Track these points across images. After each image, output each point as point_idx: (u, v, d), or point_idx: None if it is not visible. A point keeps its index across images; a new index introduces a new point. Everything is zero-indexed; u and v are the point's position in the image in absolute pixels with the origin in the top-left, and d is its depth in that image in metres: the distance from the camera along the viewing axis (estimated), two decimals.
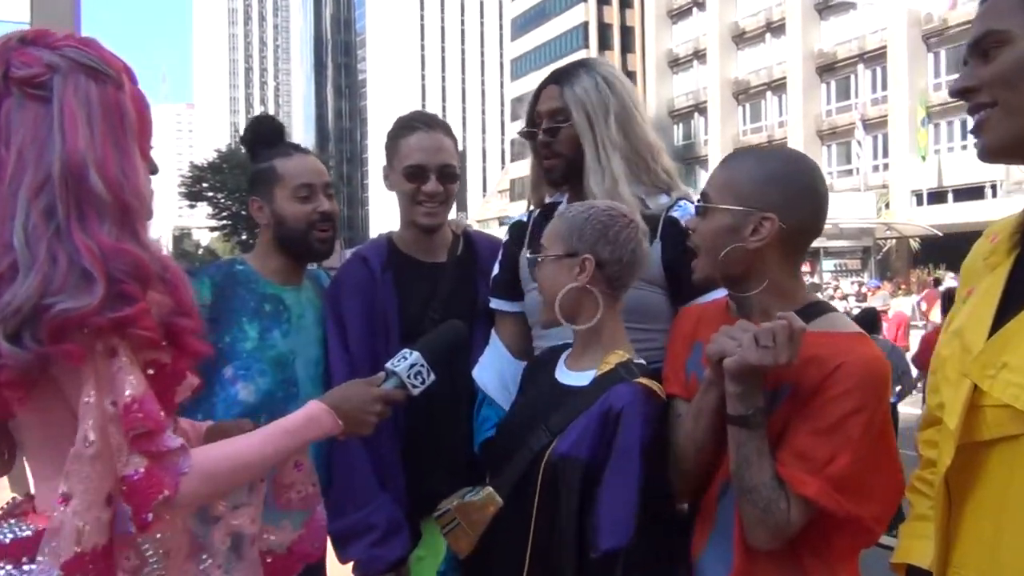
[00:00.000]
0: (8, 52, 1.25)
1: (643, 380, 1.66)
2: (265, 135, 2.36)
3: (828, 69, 38.71)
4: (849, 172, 35.78)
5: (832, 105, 38.80)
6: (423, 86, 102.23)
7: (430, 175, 2.22)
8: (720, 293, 1.75)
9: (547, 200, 2.26)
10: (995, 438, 1.20)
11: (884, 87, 35.60)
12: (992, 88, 1.24)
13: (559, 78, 2.14)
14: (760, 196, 1.55)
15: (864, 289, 24.33)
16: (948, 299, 8.00)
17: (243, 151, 2.42)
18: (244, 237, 46.48)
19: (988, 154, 1.28)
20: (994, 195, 27.03)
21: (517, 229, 2.29)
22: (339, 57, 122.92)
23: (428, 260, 2.31)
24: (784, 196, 1.55)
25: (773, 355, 1.40)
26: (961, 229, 28.40)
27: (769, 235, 1.54)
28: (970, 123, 1.30)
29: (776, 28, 40.70)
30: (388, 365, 1.67)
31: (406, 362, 1.65)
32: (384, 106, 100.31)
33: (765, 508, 1.45)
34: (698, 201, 1.64)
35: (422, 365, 1.66)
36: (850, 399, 1.43)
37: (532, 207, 2.30)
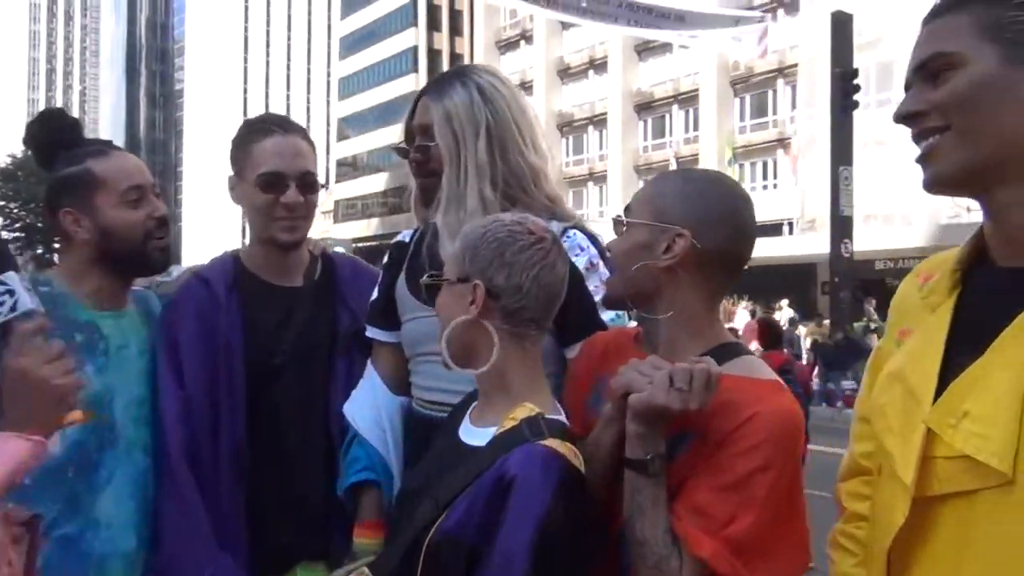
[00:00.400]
0: None
1: (550, 441, 1.34)
2: (60, 134, 1.98)
3: (646, 107, 40.67)
4: None
5: (649, 142, 40.75)
6: (245, 100, 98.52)
7: (289, 183, 1.97)
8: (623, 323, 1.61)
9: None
10: (947, 493, 1.12)
11: (696, 127, 37.81)
12: (946, 112, 1.16)
13: (432, 89, 1.95)
14: (677, 213, 1.44)
15: None
16: (766, 329, 8.28)
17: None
18: (40, 251, 42.95)
19: (937, 184, 1.20)
20: (791, 232, 29.17)
21: (398, 250, 2.03)
22: (154, 64, 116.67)
23: (282, 283, 2.07)
24: (702, 216, 1.43)
25: (685, 399, 1.28)
26: (761, 263, 30.56)
27: (681, 253, 1.42)
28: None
29: (599, 65, 42.40)
30: None
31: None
32: (202, 118, 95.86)
33: (655, 565, 1.31)
34: (618, 217, 1.52)
35: None
36: (759, 454, 1.30)
37: (418, 225, 2.05)
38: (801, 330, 17.62)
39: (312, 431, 2.00)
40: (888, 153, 26.93)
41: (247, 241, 2.20)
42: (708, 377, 1.29)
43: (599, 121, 42.53)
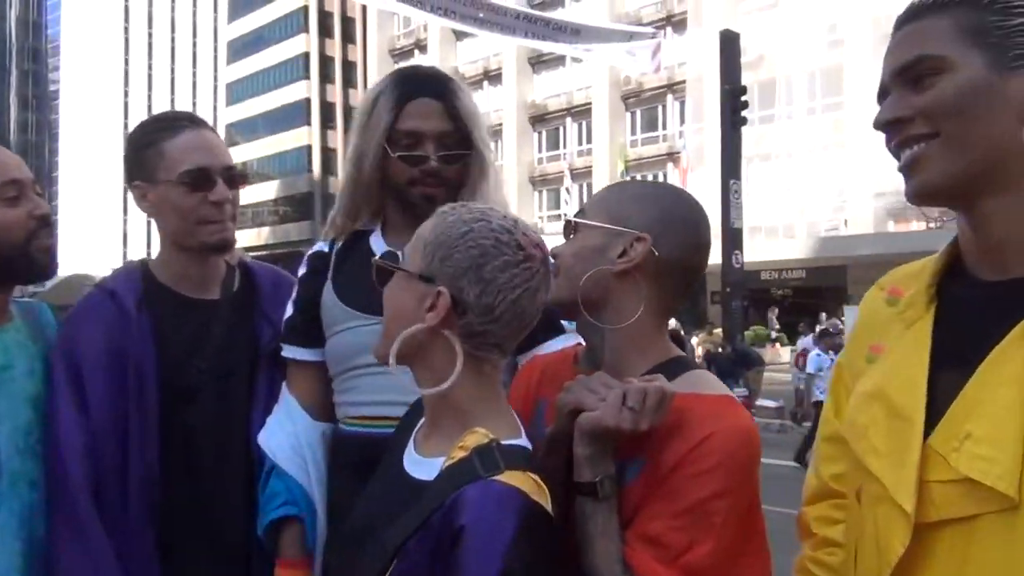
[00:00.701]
0: None
1: (507, 475, 1.12)
2: None
3: (540, 119, 41.14)
4: (558, 217, 38.08)
5: (544, 153, 41.25)
6: (126, 103, 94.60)
7: (216, 179, 1.81)
8: (561, 343, 1.50)
9: (359, 227, 1.87)
10: (944, 519, 1.04)
11: (589, 140, 38.47)
12: (933, 118, 1.11)
13: (440, 93, 1.77)
14: (637, 217, 1.32)
15: None
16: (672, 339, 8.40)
17: None
18: None
19: (924, 194, 1.14)
20: None
21: (319, 260, 1.86)
22: (26, 63, 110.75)
23: (198, 296, 1.89)
24: (663, 222, 1.33)
25: (636, 419, 1.17)
26: None
27: (639, 258, 1.31)
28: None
29: (493, 77, 42.63)
30: None
31: None
32: (79, 121, 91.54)
33: None
34: (571, 218, 1.38)
35: None
36: (715, 478, 1.19)
37: (334, 235, 1.88)
38: (693, 340, 18.01)
39: (231, 458, 1.81)
40: (771, 168, 28.00)
41: (152, 251, 1.96)
42: (662, 396, 1.19)
43: (494, 132, 42.67)
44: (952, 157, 1.10)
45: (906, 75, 1.13)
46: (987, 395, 1.05)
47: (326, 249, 1.87)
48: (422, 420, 1.32)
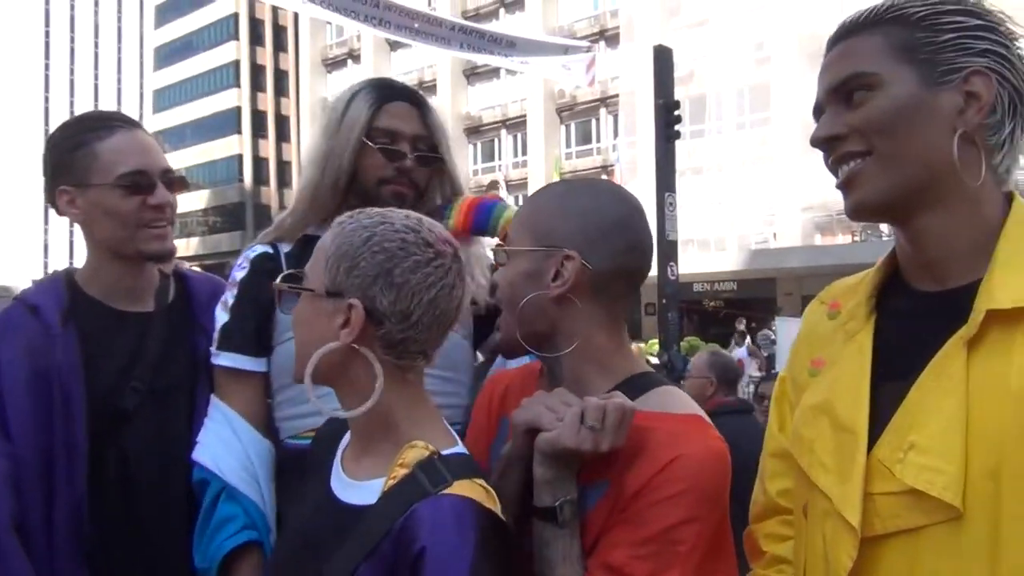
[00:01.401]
0: None
1: (456, 487, 1.09)
2: None
3: (474, 131, 41.14)
4: None
5: (479, 165, 41.24)
6: (47, 108, 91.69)
7: (155, 182, 1.73)
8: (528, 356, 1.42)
9: (309, 232, 1.78)
10: (891, 531, 1.05)
11: (524, 152, 38.62)
12: (866, 135, 1.12)
13: (418, 101, 1.81)
14: (561, 232, 1.25)
15: None
16: None
17: None
18: None
19: (860, 212, 1.16)
20: None
21: (266, 261, 1.76)
22: None
23: (130, 309, 1.78)
24: (588, 231, 1.25)
25: (597, 440, 1.10)
26: None
27: (572, 278, 1.24)
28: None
29: (427, 88, 42.52)
30: None
31: None
32: None
33: None
34: (498, 246, 1.33)
35: None
36: (681, 505, 1.14)
37: (276, 237, 1.79)
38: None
39: (172, 482, 1.69)
40: (703, 181, 28.46)
41: (74, 261, 1.82)
42: (622, 413, 1.13)
43: None
44: (887, 175, 1.12)
45: (839, 92, 1.15)
46: (929, 405, 1.06)
47: (270, 251, 1.77)
48: (346, 439, 1.25)
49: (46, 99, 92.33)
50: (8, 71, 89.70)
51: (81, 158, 1.73)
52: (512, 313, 1.28)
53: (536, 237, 1.27)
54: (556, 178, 34.28)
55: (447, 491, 1.08)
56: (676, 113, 13.38)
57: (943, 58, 1.10)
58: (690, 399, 1.31)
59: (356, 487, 1.18)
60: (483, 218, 1.81)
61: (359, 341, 1.14)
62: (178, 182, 1.80)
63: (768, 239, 29.17)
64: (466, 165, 41.32)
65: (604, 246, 1.26)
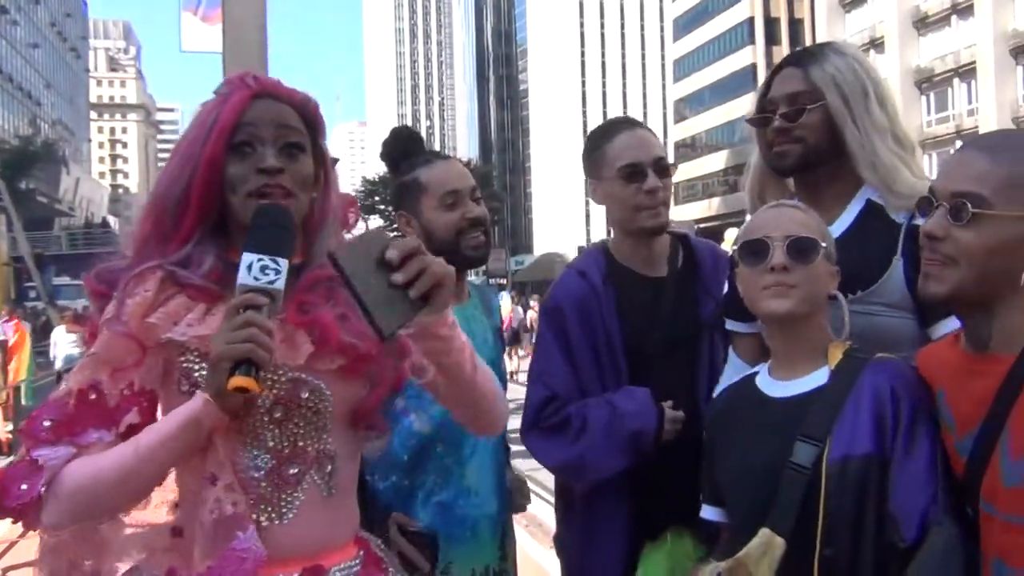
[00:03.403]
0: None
1: (886, 355, 1.52)
2: (403, 146, 2.26)
3: (927, 82, 35.93)
4: None
5: (932, 116, 36.32)
6: (583, 92, 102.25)
7: (647, 171, 2.09)
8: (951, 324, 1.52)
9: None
10: None
11: (977, 99, 32.54)
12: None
13: (800, 60, 1.88)
14: None
15: None
16: None
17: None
18: None
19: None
20: None
21: None
22: (500, 69, 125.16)
23: (649, 274, 2.18)
24: None
25: None
26: None
27: None
28: None
29: (963, 9, 37.82)
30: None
31: (242, 267, 1.25)
32: (545, 115, 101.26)
33: None
34: (954, 200, 1.30)
35: (260, 259, 1.24)
36: None
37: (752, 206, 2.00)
38: None
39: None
40: None
41: (611, 234, 2.31)
42: None
43: (966, 72, 37.96)
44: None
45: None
46: None
47: None
48: (756, 376, 1.68)
49: (583, 83, 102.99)
50: (552, 66, 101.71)
51: (598, 158, 2.17)
52: (974, 273, 1.29)
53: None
54: (1010, 125, 28.25)
55: (882, 356, 1.52)
56: None
57: None
58: None
59: (796, 383, 1.55)
60: None
61: None
62: (668, 169, 2.13)
63: None
64: (1014, 91, 36.09)
65: None
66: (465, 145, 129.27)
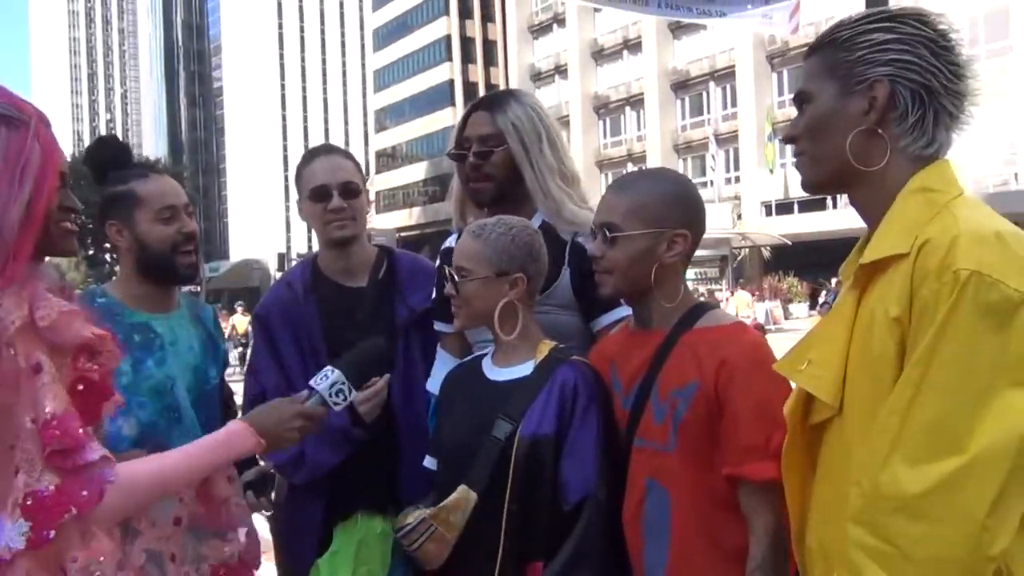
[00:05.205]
0: None
1: (579, 358, 1.88)
2: (112, 155, 2.29)
3: (682, 86, 40.37)
4: (704, 184, 37.47)
5: (687, 120, 40.49)
6: (283, 96, 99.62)
7: (332, 192, 2.32)
8: (622, 312, 1.98)
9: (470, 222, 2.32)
10: (815, 422, 1.44)
11: (734, 104, 37.44)
12: (801, 139, 1.48)
13: (489, 105, 2.25)
14: (668, 216, 1.75)
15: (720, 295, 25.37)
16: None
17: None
18: (92, 252, 44.04)
19: (806, 188, 1.54)
20: (834, 206, 28.78)
21: (448, 255, 2.28)
22: (192, 65, 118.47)
23: (350, 284, 2.40)
24: (687, 212, 1.78)
25: None
26: (806, 238, 30.22)
27: (684, 250, 1.76)
28: None
29: (633, 45, 42.14)
30: (311, 383, 1.75)
31: (327, 381, 1.73)
32: (242, 116, 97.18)
33: None
34: (600, 229, 1.77)
35: (343, 383, 1.74)
36: (757, 384, 1.62)
37: (455, 231, 2.33)
38: None
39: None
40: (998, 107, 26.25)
41: (312, 234, 2.54)
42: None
43: (636, 101, 42.29)
44: (814, 168, 1.48)
45: (796, 103, 1.50)
46: (825, 331, 1.45)
47: (453, 244, 2.23)
48: (483, 358, 1.99)
49: (282, 86, 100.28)
50: (248, 64, 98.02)
51: (299, 180, 2.42)
52: (624, 277, 1.77)
53: (647, 222, 1.74)
54: (768, 130, 32.97)
55: (575, 359, 1.86)
56: None
57: (855, 71, 1.40)
58: (730, 315, 1.94)
59: (510, 370, 1.88)
60: None
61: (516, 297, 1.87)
62: (354, 191, 2.36)
63: (1009, 180, 26.64)
64: (675, 121, 40.61)
65: (698, 222, 1.80)
66: (152, 143, 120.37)
